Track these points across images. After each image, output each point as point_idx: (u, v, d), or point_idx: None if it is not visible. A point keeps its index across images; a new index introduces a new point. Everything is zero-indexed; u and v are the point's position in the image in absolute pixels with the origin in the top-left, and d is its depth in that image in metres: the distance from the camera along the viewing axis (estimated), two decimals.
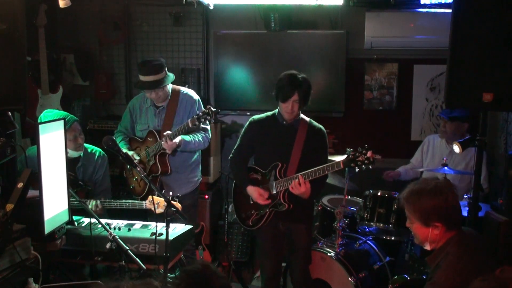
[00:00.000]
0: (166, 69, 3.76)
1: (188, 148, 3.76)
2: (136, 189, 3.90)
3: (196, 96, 3.89)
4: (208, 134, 3.87)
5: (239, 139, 3.47)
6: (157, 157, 3.72)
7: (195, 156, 3.94)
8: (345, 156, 3.08)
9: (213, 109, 3.48)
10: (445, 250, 2.25)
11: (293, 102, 3.16)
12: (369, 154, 2.93)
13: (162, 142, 3.59)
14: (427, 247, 2.33)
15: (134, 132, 3.98)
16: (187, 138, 3.71)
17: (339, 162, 3.02)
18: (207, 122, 3.76)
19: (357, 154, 2.96)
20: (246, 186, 3.33)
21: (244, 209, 3.45)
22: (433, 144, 4.33)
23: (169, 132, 3.62)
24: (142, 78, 3.69)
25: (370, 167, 2.95)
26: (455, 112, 4.03)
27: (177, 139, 3.61)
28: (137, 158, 3.77)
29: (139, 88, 3.84)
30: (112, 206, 3.59)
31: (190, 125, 3.54)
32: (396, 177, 4.32)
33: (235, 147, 3.47)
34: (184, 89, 3.93)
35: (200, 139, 3.78)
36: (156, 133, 3.76)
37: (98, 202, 3.54)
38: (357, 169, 2.98)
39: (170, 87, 3.86)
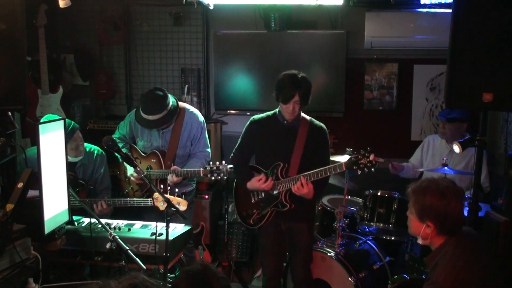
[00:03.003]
0: (168, 99, 3.63)
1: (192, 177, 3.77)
2: (129, 195, 3.87)
3: (201, 118, 3.83)
4: (208, 155, 3.83)
5: (240, 139, 3.47)
6: (157, 181, 3.68)
7: None
8: (348, 158, 3.08)
9: (229, 168, 3.44)
10: (443, 250, 2.25)
11: (294, 103, 3.16)
12: (371, 157, 2.92)
13: (168, 177, 3.57)
14: (419, 241, 2.36)
15: (133, 141, 3.95)
16: (190, 170, 3.65)
17: (341, 164, 3.02)
18: (207, 141, 3.82)
19: (359, 156, 2.96)
20: (246, 183, 3.33)
21: (245, 208, 3.45)
22: (433, 144, 4.32)
23: (178, 168, 3.60)
24: (145, 116, 3.61)
25: (373, 169, 2.94)
26: (453, 113, 4.02)
27: (181, 177, 3.60)
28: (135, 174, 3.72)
29: (143, 126, 3.70)
30: (116, 205, 3.59)
31: (201, 174, 3.54)
32: (399, 169, 4.29)
33: (236, 146, 3.47)
34: (189, 108, 3.83)
35: (201, 164, 3.72)
36: (160, 157, 3.70)
37: (103, 201, 3.54)
38: (359, 172, 2.97)
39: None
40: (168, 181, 3.59)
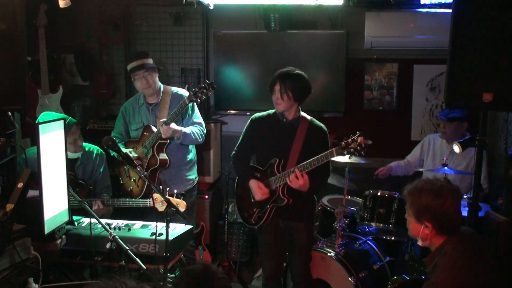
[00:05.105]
0: (152, 60, 3.86)
1: (187, 141, 3.77)
2: (134, 191, 3.88)
3: (187, 93, 3.90)
4: (203, 128, 3.90)
5: (241, 137, 3.49)
6: (154, 149, 3.72)
7: (191, 154, 3.97)
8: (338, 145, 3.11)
9: (208, 82, 3.51)
10: (442, 251, 2.25)
11: (278, 93, 3.22)
12: (360, 140, 2.96)
13: (160, 128, 3.60)
14: (419, 242, 2.37)
15: (128, 136, 3.99)
16: (186, 130, 3.73)
17: (332, 151, 3.04)
18: (199, 114, 3.87)
19: (349, 141, 2.99)
20: (248, 180, 3.34)
21: (246, 208, 3.45)
22: (434, 143, 4.32)
23: (164, 119, 3.63)
24: (131, 65, 3.78)
25: (363, 153, 2.97)
26: (453, 112, 4.02)
27: (175, 126, 3.62)
28: (134, 155, 3.77)
29: (130, 72, 3.85)
30: (115, 205, 3.59)
31: (187, 101, 3.55)
32: (388, 173, 4.31)
33: (237, 144, 3.50)
34: (175, 89, 3.97)
35: (198, 131, 3.81)
36: (152, 127, 3.77)
37: (99, 202, 3.54)
38: (350, 157, 3.06)
39: (161, 85, 3.90)
40: (162, 135, 3.62)
